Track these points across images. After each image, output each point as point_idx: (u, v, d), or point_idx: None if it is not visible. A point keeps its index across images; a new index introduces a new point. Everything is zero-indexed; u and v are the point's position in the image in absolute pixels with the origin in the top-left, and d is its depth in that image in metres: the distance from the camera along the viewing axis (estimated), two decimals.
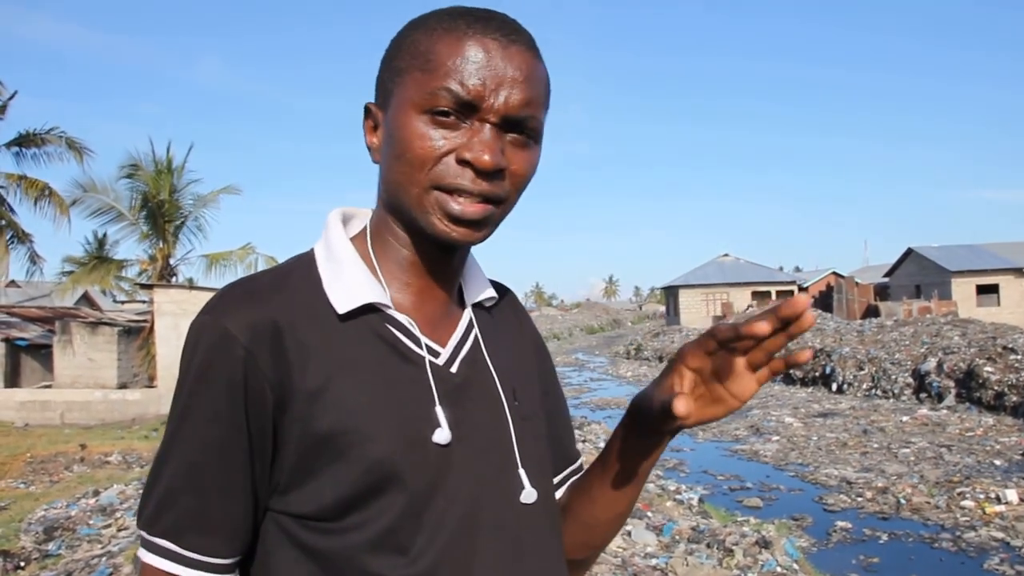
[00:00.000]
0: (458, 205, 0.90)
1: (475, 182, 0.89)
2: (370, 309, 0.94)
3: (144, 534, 0.90)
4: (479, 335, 1.04)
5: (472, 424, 0.96)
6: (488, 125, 0.89)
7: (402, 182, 0.91)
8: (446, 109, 0.88)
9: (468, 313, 1.05)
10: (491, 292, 1.10)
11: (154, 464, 0.91)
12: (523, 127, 0.92)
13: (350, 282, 0.95)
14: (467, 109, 0.89)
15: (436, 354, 0.97)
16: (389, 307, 0.95)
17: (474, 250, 1.07)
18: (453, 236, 0.91)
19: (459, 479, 0.93)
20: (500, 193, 0.92)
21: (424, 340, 0.96)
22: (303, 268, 0.97)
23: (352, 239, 1.01)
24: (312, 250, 1.00)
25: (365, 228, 1.02)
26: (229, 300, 0.91)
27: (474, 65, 0.88)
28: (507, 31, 0.91)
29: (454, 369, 0.98)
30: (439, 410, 0.93)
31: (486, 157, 0.88)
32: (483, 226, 0.93)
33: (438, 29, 0.90)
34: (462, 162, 0.89)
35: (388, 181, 0.94)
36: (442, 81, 0.88)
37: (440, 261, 0.99)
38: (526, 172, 0.94)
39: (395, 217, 0.97)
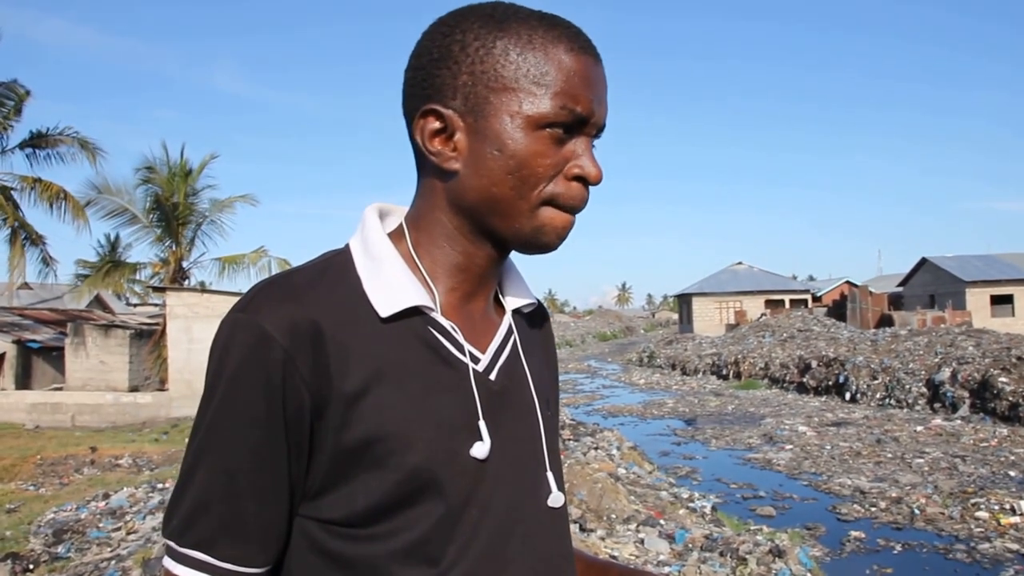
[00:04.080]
0: (567, 218, 0.93)
1: (582, 195, 0.92)
2: (413, 312, 0.91)
3: (173, 545, 0.86)
4: (518, 342, 1.02)
5: (508, 434, 0.94)
6: (586, 137, 0.92)
7: (510, 197, 0.90)
8: (563, 126, 0.89)
9: (508, 319, 1.03)
10: (532, 299, 1.08)
11: (184, 471, 0.87)
12: (600, 135, 0.95)
13: (393, 283, 0.91)
14: (579, 125, 0.90)
15: (476, 360, 0.95)
16: (434, 310, 0.92)
17: None
18: (555, 246, 0.94)
19: (494, 489, 0.91)
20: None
21: (467, 347, 0.94)
22: (340, 266, 0.93)
23: (388, 236, 0.97)
24: (347, 247, 0.96)
25: (402, 226, 0.98)
26: (265, 298, 0.86)
27: (587, 82, 0.90)
28: (592, 45, 0.93)
29: (493, 376, 0.96)
30: (482, 424, 0.90)
31: (595, 172, 0.91)
32: None
33: (537, 39, 0.89)
34: (575, 178, 0.91)
35: (486, 193, 0.90)
36: (563, 99, 0.88)
37: (492, 266, 0.98)
38: None
39: (465, 221, 0.94)
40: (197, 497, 0.85)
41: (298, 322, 0.84)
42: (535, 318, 1.12)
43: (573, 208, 0.92)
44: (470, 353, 0.94)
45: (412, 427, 0.86)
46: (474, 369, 0.93)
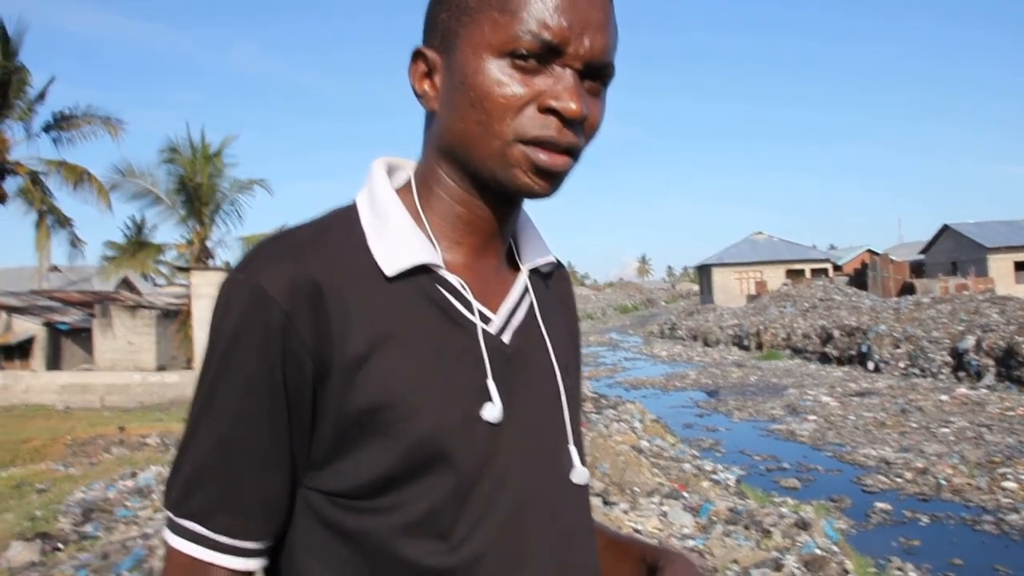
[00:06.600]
0: (545, 157, 0.82)
1: (561, 132, 0.82)
2: (419, 270, 0.86)
3: (171, 515, 0.82)
4: (535, 302, 0.95)
5: (524, 399, 0.88)
6: (570, 71, 0.82)
7: (478, 133, 0.83)
8: (528, 53, 0.80)
9: (524, 277, 0.96)
10: (551, 257, 1.01)
11: (182, 440, 0.83)
12: (601, 75, 0.85)
13: (399, 240, 0.86)
14: (550, 53, 0.81)
15: (487, 320, 0.89)
16: (440, 267, 0.87)
17: None
18: (536, 191, 0.84)
19: (509, 459, 0.85)
20: (580, 144, 0.85)
21: (476, 305, 0.88)
22: (345, 223, 0.88)
23: (397, 191, 0.92)
24: (354, 203, 0.91)
25: (410, 181, 0.93)
26: (266, 257, 0.82)
27: (563, 8, 0.80)
28: None
29: (506, 338, 0.89)
30: (491, 384, 0.85)
31: (573, 105, 0.80)
32: (563, 179, 0.86)
33: None
34: (547, 110, 0.82)
35: (457, 131, 0.85)
36: (526, 22, 0.80)
37: (496, 218, 0.91)
38: (600, 123, 0.87)
39: (452, 168, 0.88)
40: (194, 467, 0.81)
41: (298, 281, 0.80)
42: (554, 279, 1.06)
43: (548, 143, 0.82)
44: (481, 313, 0.88)
45: (419, 393, 0.81)
46: (485, 330, 0.87)
